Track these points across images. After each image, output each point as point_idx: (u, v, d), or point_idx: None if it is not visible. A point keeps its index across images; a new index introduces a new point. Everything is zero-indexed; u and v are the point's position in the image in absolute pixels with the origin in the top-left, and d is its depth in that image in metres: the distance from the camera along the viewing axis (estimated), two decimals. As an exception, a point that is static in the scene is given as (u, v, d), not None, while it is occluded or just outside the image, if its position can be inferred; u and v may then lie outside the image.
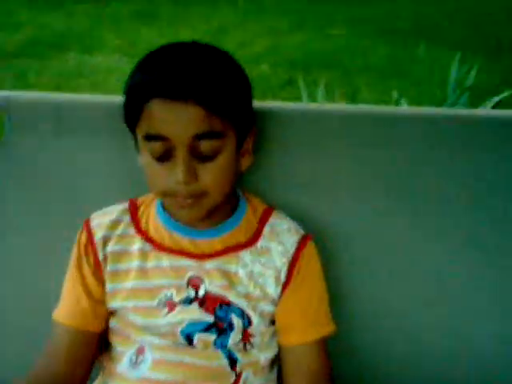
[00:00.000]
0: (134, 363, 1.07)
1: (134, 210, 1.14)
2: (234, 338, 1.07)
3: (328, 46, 5.21)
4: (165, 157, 1.00)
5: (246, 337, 1.08)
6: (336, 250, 1.23)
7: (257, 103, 1.13)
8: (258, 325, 1.08)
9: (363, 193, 1.24)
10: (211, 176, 1.01)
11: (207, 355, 1.07)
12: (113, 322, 1.11)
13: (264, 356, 1.11)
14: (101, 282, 1.10)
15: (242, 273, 1.09)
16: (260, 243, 1.11)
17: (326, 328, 1.13)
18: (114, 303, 1.10)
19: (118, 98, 1.15)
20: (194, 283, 1.08)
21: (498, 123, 1.24)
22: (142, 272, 1.09)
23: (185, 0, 6.05)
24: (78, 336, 1.10)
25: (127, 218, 1.13)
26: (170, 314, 1.07)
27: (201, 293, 1.07)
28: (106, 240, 1.11)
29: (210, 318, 1.07)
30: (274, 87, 4.32)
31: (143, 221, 1.13)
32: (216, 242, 1.10)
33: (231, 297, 1.07)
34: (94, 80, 4.35)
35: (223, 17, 5.76)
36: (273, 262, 1.10)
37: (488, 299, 1.27)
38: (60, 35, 5.12)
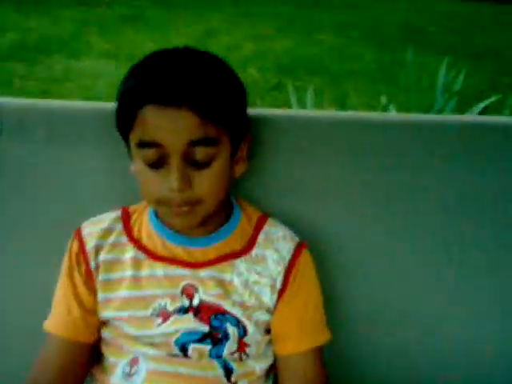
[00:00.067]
0: (128, 375, 1.05)
1: (126, 218, 1.13)
2: (229, 347, 1.06)
3: (315, 51, 5.22)
4: (158, 164, 0.98)
5: (241, 346, 1.07)
6: (329, 256, 1.22)
7: (250, 110, 1.11)
8: (253, 334, 1.07)
9: (355, 199, 1.24)
10: (206, 183, 0.99)
11: (202, 366, 1.05)
12: (105, 332, 1.09)
13: (259, 366, 1.09)
14: (92, 291, 1.08)
15: (237, 281, 1.07)
16: (255, 251, 1.10)
17: (322, 336, 1.12)
18: (106, 313, 1.08)
19: (110, 105, 1.14)
20: (188, 292, 1.06)
21: (487, 129, 1.24)
22: (136, 281, 1.07)
23: (172, 4, 6.04)
24: (69, 347, 1.08)
25: (119, 226, 1.11)
26: (164, 324, 1.05)
27: (195, 302, 1.06)
28: (98, 249, 1.09)
29: (205, 328, 1.05)
30: (262, 91, 4.32)
31: (136, 229, 1.11)
32: (210, 251, 1.08)
33: (226, 306, 1.06)
34: (82, 84, 4.32)
35: (210, 21, 5.75)
36: (268, 271, 1.08)
37: (488, 300, 1.27)
38: (46, 40, 5.08)
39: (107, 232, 1.10)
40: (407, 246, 1.25)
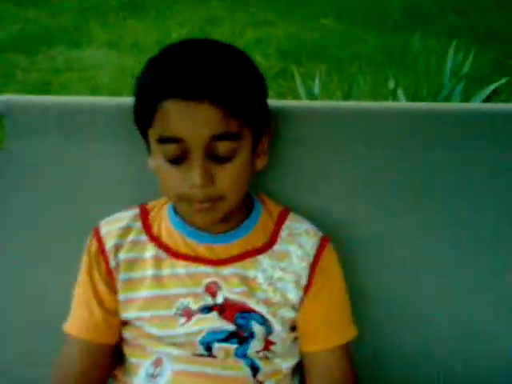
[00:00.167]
0: (151, 376, 1.03)
1: (144, 216, 1.10)
2: (254, 346, 1.03)
3: (318, 36, 5.17)
4: (179, 159, 0.96)
5: (267, 345, 1.05)
6: (351, 251, 1.19)
7: (269, 102, 1.08)
8: (279, 331, 1.05)
9: (377, 192, 1.21)
10: (228, 179, 0.97)
11: (228, 365, 1.03)
12: (126, 333, 1.07)
13: (286, 364, 1.07)
14: (113, 291, 1.06)
15: (260, 278, 1.05)
16: (277, 246, 1.07)
17: (349, 332, 1.10)
18: (127, 313, 1.05)
19: (124, 100, 1.12)
20: (211, 290, 1.04)
21: (497, 117, 1.21)
22: (157, 280, 1.04)
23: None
24: (91, 349, 1.05)
25: (138, 224, 1.09)
26: (188, 324, 1.03)
27: (219, 300, 1.03)
28: (117, 248, 1.06)
29: (231, 327, 1.03)
30: (267, 79, 4.27)
31: (155, 227, 1.08)
32: (233, 247, 1.06)
33: (251, 303, 1.03)
34: (84, 75, 4.28)
35: (211, 8, 5.69)
36: (292, 267, 1.06)
37: (509, 296, 1.24)
38: (47, 30, 5.02)
39: (126, 230, 1.08)
40: (432, 239, 1.22)
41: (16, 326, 1.25)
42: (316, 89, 2.98)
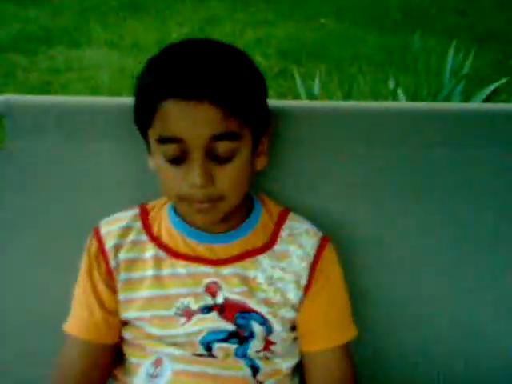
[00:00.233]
0: (152, 376, 1.03)
1: (144, 216, 1.10)
2: (254, 346, 1.03)
3: (317, 36, 5.16)
4: (179, 159, 0.95)
5: (267, 345, 1.04)
6: (351, 251, 1.19)
7: (269, 102, 1.08)
8: (279, 331, 1.04)
9: (377, 192, 1.21)
10: (228, 179, 0.96)
11: (229, 365, 1.03)
12: (126, 333, 1.07)
13: (286, 364, 1.07)
14: (113, 291, 1.06)
15: (260, 278, 1.04)
16: (278, 246, 1.07)
17: (349, 332, 1.10)
18: (127, 313, 1.05)
19: (124, 100, 1.12)
20: (211, 290, 1.03)
21: (497, 117, 1.21)
22: (157, 280, 1.04)
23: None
24: (91, 349, 1.05)
25: (138, 224, 1.09)
26: (188, 324, 1.03)
27: (219, 300, 1.03)
28: (117, 248, 1.06)
29: (231, 327, 1.03)
30: (267, 79, 4.26)
31: (155, 227, 1.08)
32: (233, 247, 1.06)
33: (251, 303, 1.03)
34: (84, 75, 4.28)
35: (211, 8, 5.69)
36: (292, 267, 1.06)
37: (509, 296, 1.24)
38: (47, 30, 5.03)
39: (126, 230, 1.08)
40: (432, 239, 1.22)
41: (16, 326, 1.25)
42: (316, 89, 2.98)
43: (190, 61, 0.94)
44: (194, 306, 1.03)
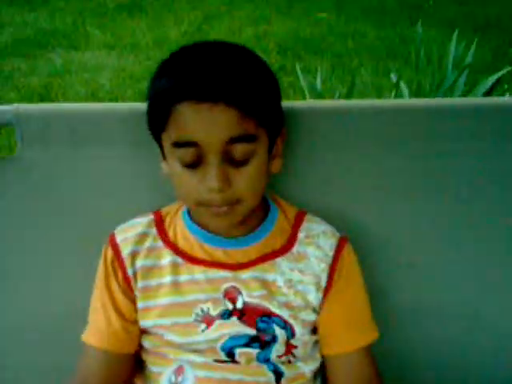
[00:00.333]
0: None
1: (159, 222, 1.08)
2: (276, 350, 1.02)
3: (317, 31, 5.14)
4: (195, 164, 0.94)
5: (289, 348, 1.03)
6: (369, 251, 1.17)
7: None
8: (301, 335, 1.03)
9: (393, 191, 1.19)
10: (245, 181, 0.95)
11: (252, 371, 1.01)
12: (146, 341, 1.05)
13: (308, 368, 1.06)
14: (131, 299, 1.04)
15: (280, 281, 1.03)
16: (296, 248, 1.05)
17: (372, 334, 1.08)
18: (146, 321, 1.04)
19: (134, 105, 1.11)
20: (230, 295, 1.02)
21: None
22: (175, 287, 1.03)
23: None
24: (111, 359, 1.04)
25: (153, 230, 1.07)
26: (209, 330, 1.01)
27: (239, 305, 1.02)
28: (134, 255, 1.05)
29: (252, 331, 1.01)
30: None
31: (171, 233, 1.07)
32: (251, 251, 1.04)
33: (272, 307, 1.02)
34: (84, 77, 4.25)
35: (209, 6, 5.66)
36: (311, 268, 1.04)
37: None
38: (44, 33, 5.00)
39: (142, 237, 1.06)
40: (450, 238, 1.21)
41: (32, 334, 1.23)
42: (318, 84, 2.96)
43: (204, 63, 0.93)
44: (214, 312, 1.02)
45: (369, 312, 1.09)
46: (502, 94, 3.21)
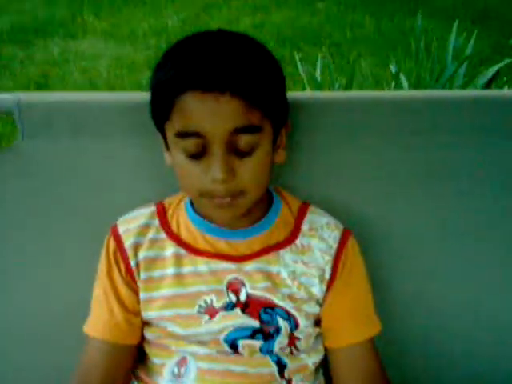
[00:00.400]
0: (177, 375, 1.01)
1: (162, 213, 1.07)
2: (279, 342, 1.02)
3: (315, 21, 5.12)
4: (199, 154, 0.93)
5: (291, 340, 1.03)
6: (371, 244, 1.17)
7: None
8: (304, 327, 1.03)
9: (395, 182, 1.19)
10: (249, 173, 0.94)
11: (255, 362, 1.01)
12: (148, 333, 1.05)
13: (311, 360, 1.05)
14: (134, 291, 1.04)
15: (284, 273, 1.03)
16: (299, 241, 1.05)
17: (375, 327, 1.08)
18: (149, 313, 1.03)
19: (136, 95, 1.10)
20: (234, 287, 1.01)
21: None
22: (179, 278, 1.02)
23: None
24: (114, 350, 1.03)
25: (156, 221, 1.06)
26: (212, 321, 1.01)
27: (242, 297, 1.01)
28: (136, 246, 1.04)
29: (255, 323, 1.01)
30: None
31: (174, 224, 1.06)
32: (254, 242, 1.03)
33: (275, 299, 1.01)
34: (81, 65, 4.23)
35: (207, -5, 5.63)
36: (315, 261, 1.04)
37: None
38: (42, 21, 4.97)
39: (145, 228, 1.05)
40: (452, 229, 1.21)
41: (34, 329, 1.22)
42: (318, 74, 2.95)
43: (209, 52, 0.92)
44: (217, 304, 1.01)
45: (372, 305, 1.09)
46: (501, 87, 3.20)
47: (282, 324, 1.01)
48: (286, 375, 1.02)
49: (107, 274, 1.04)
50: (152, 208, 1.08)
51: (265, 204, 1.06)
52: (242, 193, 0.95)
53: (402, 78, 3.06)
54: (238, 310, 1.01)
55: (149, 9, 5.27)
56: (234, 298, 1.01)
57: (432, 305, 1.23)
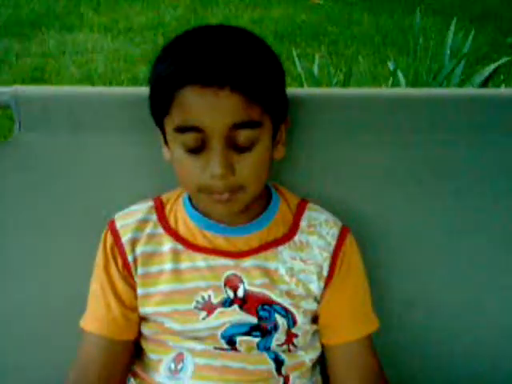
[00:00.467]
0: (173, 371, 1.01)
1: (160, 209, 1.07)
2: (277, 339, 1.01)
3: (313, 17, 5.11)
4: (198, 149, 0.92)
5: (289, 337, 1.02)
6: (369, 241, 1.16)
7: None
8: (302, 324, 1.03)
9: (394, 180, 1.19)
10: (248, 168, 0.93)
11: (253, 359, 1.01)
12: (145, 329, 1.04)
13: (309, 357, 1.05)
14: (131, 286, 1.03)
15: (282, 269, 1.02)
16: (298, 237, 1.05)
17: (373, 324, 1.08)
18: (146, 308, 1.03)
19: (134, 90, 1.09)
20: (232, 283, 1.01)
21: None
22: (176, 274, 1.02)
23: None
24: (111, 346, 1.02)
25: (154, 217, 1.06)
26: (210, 318, 1.00)
27: (240, 293, 1.01)
28: (134, 241, 1.03)
29: (253, 320, 1.01)
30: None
31: (171, 219, 1.05)
32: (252, 239, 1.03)
33: (273, 295, 1.01)
34: (78, 59, 4.22)
35: (205, -10, 5.62)
36: (314, 258, 1.04)
37: None
38: (38, 14, 4.95)
39: (142, 223, 1.05)
40: (451, 229, 1.21)
41: (37, 327, 1.21)
42: (316, 70, 2.95)
43: (209, 46, 0.91)
44: (215, 300, 1.01)
45: (369, 302, 1.09)
46: (499, 85, 3.21)
47: (280, 321, 1.01)
48: (283, 372, 1.02)
49: (104, 269, 1.04)
50: (150, 203, 1.08)
51: (263, 200, 1.06)
52: (241, 188, 0.94)
53: (400, 75, 3.06)
54: (235, 307, 1.01)
55: (146, 3, 5.25)
56: (231, 295, 1.01)
57: (430, 303, 1.23)
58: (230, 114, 0.89)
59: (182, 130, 0.92)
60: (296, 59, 3.10)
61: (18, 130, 1.12)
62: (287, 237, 1.04)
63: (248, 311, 1.01)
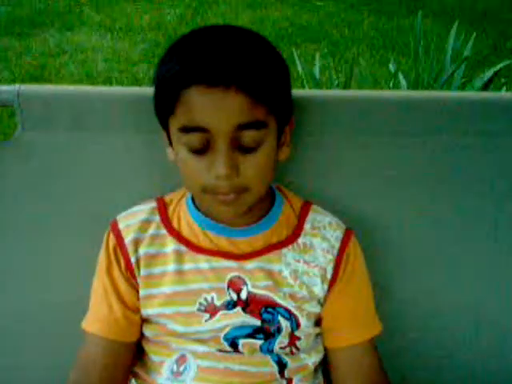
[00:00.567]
0: (176, 373, 1.00)
1: (163, 210, 1.06)
2: (280, 341, 1.01)
3: (314, 18, 5.11)
4: (203, 150, 0.92)
5: (292, 340, 1.02)
6: (373, 243, 1.16)
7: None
8: (305, 327, 1.02)
9: (396, 182, 1.18)
10: (253, 169, 0.93)
11: (256, 361, 1.00)
12: (147, 330, 1.04)
13: (311, 360, 1.05)
14: (133, 287, 1.02)
15: (286, 272, 1.02)
16: (302, 240, 1.04)
17: (376, 327, 1.07)
18: (148, 310, 1.02)
19: (137, 90, 1.08)
20: (235, 285, 1.00)
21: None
22: (179, 275, 1.01)
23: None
24: (113, 347, 1.02)
25: (157, 217, 1.05)
26: (212, 320, 1.00)
27: (243, 295, 1.00)
28: (137, 242, 1.03)
29: (257, 322, 1.00)
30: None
31: (175, 220, 1.05)
32: (256, 241, 1.02)
33: (277, 298, 1.00)
34: (78, 58, 4.21)
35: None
36: (317, 260, 1.03)
37: None
38: (39, 13, 4.95)
39: (145, 224, 1.04)
40: (453, 231, 1.20)
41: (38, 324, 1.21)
42: (317, 72, 2.94)
43: (215, 46, 0.91)
44: (218, 302, 1.00)
45: (373, 305, 1.08)
46: (499, 88, 3.20)
47: (284, 323, 1.00)
48: (286, 375, 1.01)
49: (107, 270, 1.03)
50: (153, 204, 1.07)
51: (267, 202, 1.05)
52: (246, 189, 0.94)
53: (401, 77, 3.06)
54: (238, 309, 1.00)
55: (147, 3, 5.25)
56: (235, 297, 1.00)
57: (430, 303, 1.23)
58: (235, 115, 0.89)
59: (186, 129, 0.91)
60: (297, 60, 3.10)
61: (20, 128, 1.11)
62: (291, 239, 1.04)
63: (251, 313, 1.00)
